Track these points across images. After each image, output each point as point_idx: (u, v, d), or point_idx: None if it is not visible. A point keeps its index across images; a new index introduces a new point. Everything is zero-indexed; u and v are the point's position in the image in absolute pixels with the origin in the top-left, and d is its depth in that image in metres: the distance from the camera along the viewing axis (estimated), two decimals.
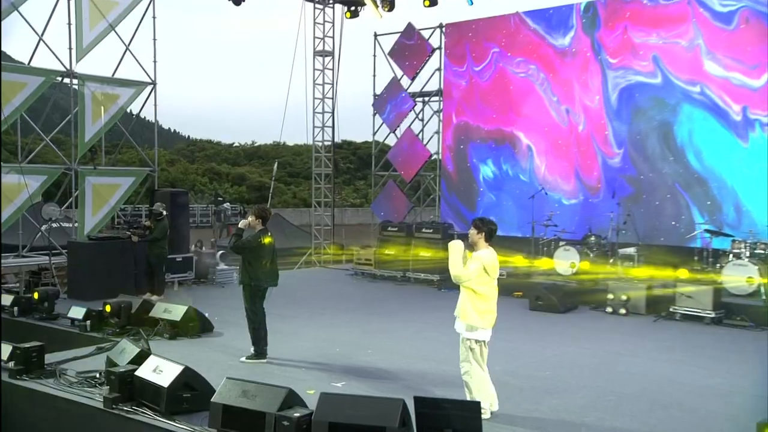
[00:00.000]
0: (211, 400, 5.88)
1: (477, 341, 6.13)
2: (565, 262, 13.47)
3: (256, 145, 58.48)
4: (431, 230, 15.03)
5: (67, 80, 15.08)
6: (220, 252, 14.92)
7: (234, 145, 61.02)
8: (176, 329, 9.50)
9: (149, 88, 16.23)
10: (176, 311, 9.66)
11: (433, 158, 18.38)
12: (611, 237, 13.64)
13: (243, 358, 8.29)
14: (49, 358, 8.01)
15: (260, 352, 8.35)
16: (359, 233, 21.06)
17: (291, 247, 20.13)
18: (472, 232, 6.15)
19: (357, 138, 47.77)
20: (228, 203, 33.24)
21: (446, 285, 14.10)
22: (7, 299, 10.80)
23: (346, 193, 50.60)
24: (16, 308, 10.58)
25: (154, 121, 17.02)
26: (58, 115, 18.14)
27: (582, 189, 15.33)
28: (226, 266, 14.89)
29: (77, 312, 9.91)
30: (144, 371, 6.64)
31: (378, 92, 18.98)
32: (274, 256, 8.38)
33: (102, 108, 15.48)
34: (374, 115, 19.10)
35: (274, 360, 8.33)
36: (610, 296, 11.76)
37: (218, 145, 60.45)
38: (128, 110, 16.49)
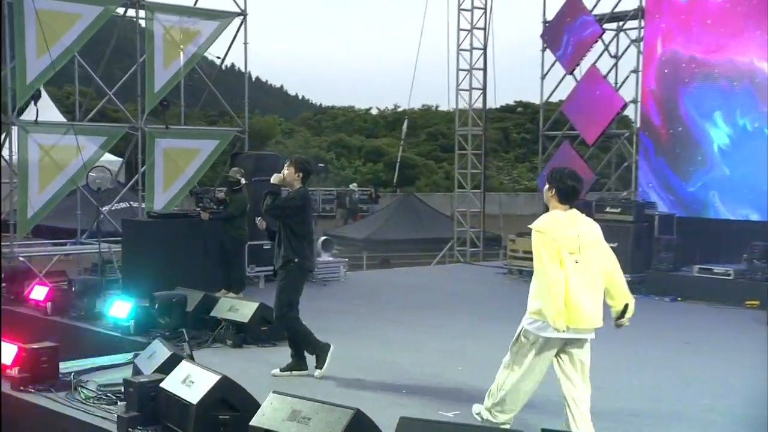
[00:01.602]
0: (251, 423, 5.62)
1: (532, 335, 5.74)
2: None
3: (399, 110, 58.76)
4: (618, 210, 14.05)
5: (132, 12, 15.49)
6: (323, 238, 14.71)
7: (370, 111, 61.74)
8: (243, 333, 9.26)
9: (238, 20, 16.33)
10: (244, 310, 9.45)
11: (628, 109, 17.41)
12: None
13: (276, 371, 8.13)
14: (69, 366, 8.03)
15: (322, 355, 8.10)
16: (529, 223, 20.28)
17: (430, 237, 19.86)
18: (545, 187, 5.93)
19: (534, 98, 46.58)
20: (355, 184, 33.63)
21: (640, 287, 13.20)
22: (41, 292, 11.07)
23: (519, 173, 49.58)
24: (49, 304, 10.80)
25: (244, 69, 17.09)
26: (121, 61, 18.76)
27: None
28: (330, 257, 14.65)
29: (121, 309, 9.92)
30: (171, 382, 6.38)
31: (549, 18, 18.05)
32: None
33: (178, 48, 15.73)
34: (543, 50, 18.21)
35: (371, 376, 8.15)
36: None
37: (351, 111, 61.43)
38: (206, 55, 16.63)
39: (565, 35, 17.70)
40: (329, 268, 14.57)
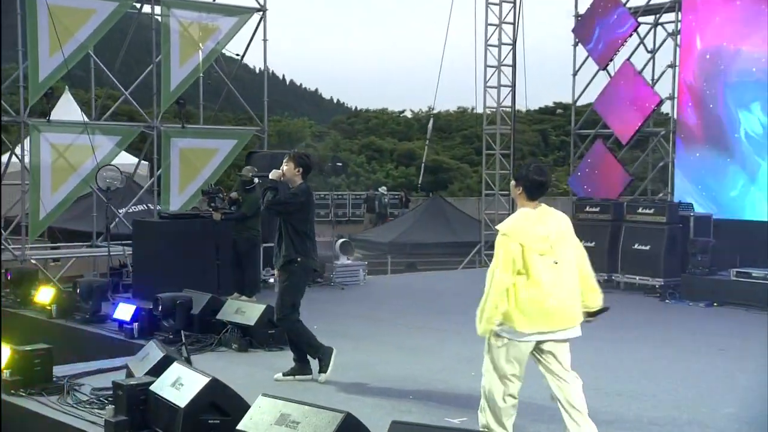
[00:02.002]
0: (237, 427, 5.52)
1: (509, 339, 5.58)
2: None
3: (434, 112, 58.57)
4: (651, 211, 13.67)
5: (147, 8, 15.46)
6: (342, 240, 14.54)
7: (404, 113, 61.58)
8: (248, 337, 9.13)
9: (257, 17, 16.27)
10: (251, 313, 9.32)
11: (664, 105, 17.17)
12: None
13: (279, 375, 8.00)
14: (66, 369, 7.97)
15: (325, 358, 7.96)
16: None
17: (458, 241, 19.68)
18: (512, 185, 5.85)
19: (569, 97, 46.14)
20: (384, 188, 33.43)
21: (674, 294, 13.05)
22: (47, 294, 11.02)
23: (557, 176, 49.09)
24: (54, 307, 10.75)
25: (264, 66, 17.00)
26: (137, 59, 18.76)
27: None
28: (349, 260, 14.48)
29: (125, 311, 9.84)
30: (161, 385, 6.26)
31: (581, 11, 17.79)
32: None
33: (195, 45, 15.68)
34: (575, 45, 17.95)
35: (378, 381, 7.99)
36: None
37: (383, 113, 61.32)
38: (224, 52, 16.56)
39: (597, 29, 17.44)
40: (348, 272, 14.40)
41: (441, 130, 55.72)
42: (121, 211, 15.71)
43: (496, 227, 5.78)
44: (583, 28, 17.74)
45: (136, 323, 9.60)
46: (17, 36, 14.03)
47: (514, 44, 18.31)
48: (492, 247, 17.02)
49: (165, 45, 15.37)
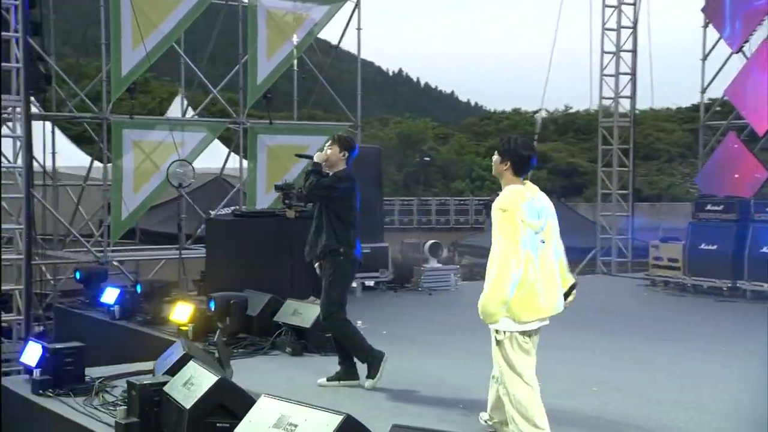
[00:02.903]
0: (236, 429, 5.42)
1: (506, 333, 5.66)
2: None
3: (571, 111, 57.54)
4: None
5: None
6: (431, 242, 14.22)
7: (538, 113, 60.77)
8: (304, 340, 8.96)
9: (349, 5, 16.22)
10: (307, 314, 9.15)
11: None
12: None
13: (323, 380, 7.82)
14: (106, 370, 8.01)
15: (374, 363, 7.69)
16: None
17: (573, 246, 19.05)
18: (495, 159, 5.82)
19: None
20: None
21: None
22: (112, 295, 11.13)
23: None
24: (117, 308, 10.85)
25: (358, 56, 16.87)
26: (224, 50, 18.94)
27: None
28: (438, 263, 14.15)
29: (182, 312, 9.81)
30: (173, 385, 6.15)
31: None
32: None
33: (284, 36, 15.72)
34: (705, 26, 17.10)
35: (433, 391, 7.72)
36: None
37: (516, 114, 60.69)
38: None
39: (730, 7, 16.53)
40: (438, 276, 14.07)
41: (579, 131, 54.68)
42: (213, 212, 15.87)
43: (493, 205, 5.65)
44: (714, 6, 16.87)
45: (191, 325, 9.54)
46: (100, 29, 14.34)
47: (634, 26, 17.59)
48: (608, 252, 16.41)
49: (252, 36, 15.45)
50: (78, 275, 12.27)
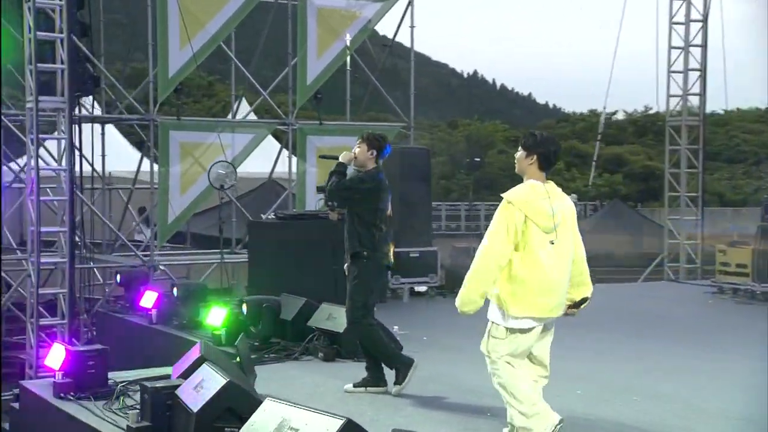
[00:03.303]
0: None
1: (508, 330, 5.71)
2: None
3: (651, 112, 56.72)
4: None
5: None
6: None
7: (615, 114, 60.06)
8: (337, 346, 8.96)
9: (403, 2, 16.18)
10: (341, 318, 8.99)
11: None
12: None
13: (349, 386, 7.77)
14: (125, 375, 8.02)
15: (402, 369, 7.60)
16: None
17: (641, 252, 18.84)
18: (520, 155, 5.83)
19: None
20: (574, 196, 32.41)
21: None
22: (150, 299, 11.24)
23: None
24: (155, 312, 10.95)
25: (411, 54, 16.84)
26: (273, 50, 19.05)
27: None
28: None
29: (217, 317, 9.84)
30: (185, 388, 6.18)
31: None
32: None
33: (334, 34, 15.75)
34: None
35: (462, 398, 7.65)
36: None
37: (594, 115, 60.05)
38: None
39: None
40: None
41: (660, 133, 53.91)
42: (264, 216, 15.97)
43: (501, 195, 5.72)
44: None
45: (224, 329, 9.57)
46: (146, 29, 14.54)
47: (704, 20, 17.21)
48: (677, 258, 16.13)
49: (301, 35, 15.51)
50: (119, 279, 12.43)
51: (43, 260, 12.34)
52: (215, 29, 14.78)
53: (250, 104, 18.71)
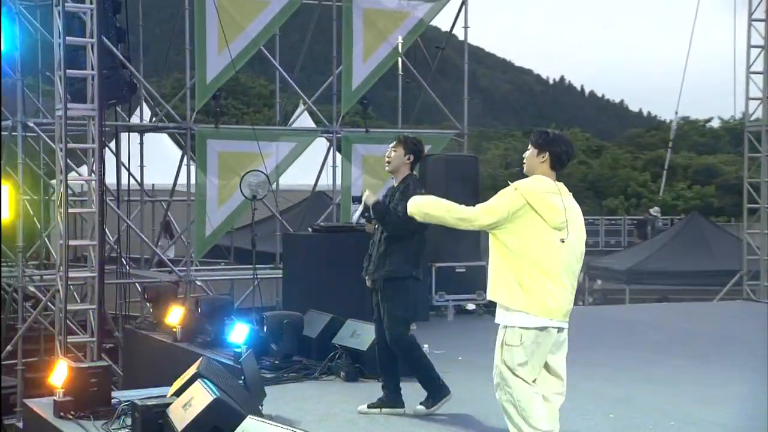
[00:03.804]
0: None
1: (523, 329, 5.70)
2: None
3: (752, 119, 55.70)
4: None
5: None
6: None
7: (710, 122, 59.14)
8: (359, 365, 9.00)
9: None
10: (366, 335, 9.11)
11: None
12: None
13: (364, 407, 7.86)
14: (136, 393, 8.14)
15: (436, 395, 7.72)
16: None
17: (712, 269, 18.55)
18: (530, 153, 5.90)
19: None
20: (657, 209, 31.98)
21: None
22: (177, 315, 11.36)
23: None
24: (179, 329, 11.08)
25: (465, 57, 16.80)
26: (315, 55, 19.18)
27: None
28: None
29: (239, 334, 9.90)
30: (175, 406, 6.24)
31: None
32: None
33: (381, 37, 15.79)
34: None
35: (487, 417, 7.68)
36: None
37: (686, 123, 59.21)
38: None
39: None
40: None
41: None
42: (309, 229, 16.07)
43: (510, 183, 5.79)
44: None
45: (245, 346, 9.62)
46: (185, 33, 14.71)
47: None
48: (757, 276, 15.75)
49: (347, 38, 15.57)
50: (146, 294, 12.62)
51: (74, 275, 12.66)
52: (255, 32, 14.91)
53: (308, 111, 18.81)
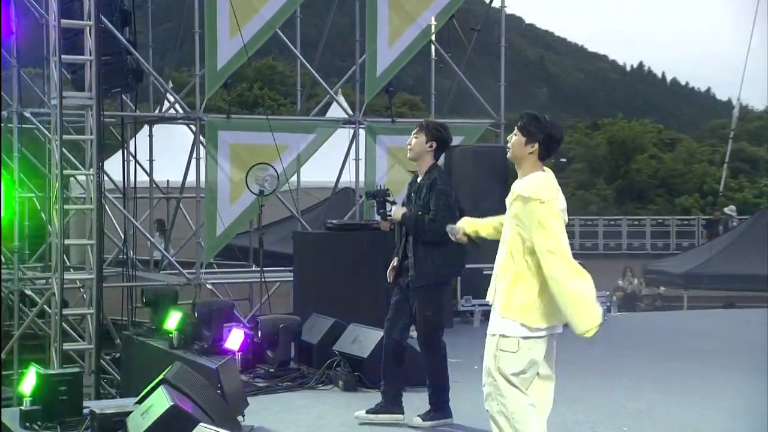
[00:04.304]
0: None
1: (522, 339, 5.73)
2: None
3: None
4: None
5: None
6: None
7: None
8: (359, 373, 9.02)
9: None
10: (367, 342, 9.18)
11: None
12: None
13: (362, 412, 7.94)
14: (117, 403, 8.25)
15: (438, 413, 7.85)
16: None
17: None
18: (517, 140, 5.83)
19: None
20: (732, 207, 31.53)
21: None
22: (174, 320, 11.43)
23: None
24: (176, 334, 11.14)
25: (502, 42, 16.75)
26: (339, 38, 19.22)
27: None
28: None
29: (235, 340, 9.99)
30: (134, 415, 6.33)
31: None
32: None
33: (408, 19, 15.77)
34: None
35: None
36: None
37: None
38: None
39: None
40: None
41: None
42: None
43: (523, 194, 5.65)
44: None
45: (241, 354, 9.70)
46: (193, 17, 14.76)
47: None
48: None
49: (371, 21, 15.53)
50: (144, 298, 12.70)
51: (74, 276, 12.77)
52: (270, 14, 14.88)
53: (347, 100, 18.81)
